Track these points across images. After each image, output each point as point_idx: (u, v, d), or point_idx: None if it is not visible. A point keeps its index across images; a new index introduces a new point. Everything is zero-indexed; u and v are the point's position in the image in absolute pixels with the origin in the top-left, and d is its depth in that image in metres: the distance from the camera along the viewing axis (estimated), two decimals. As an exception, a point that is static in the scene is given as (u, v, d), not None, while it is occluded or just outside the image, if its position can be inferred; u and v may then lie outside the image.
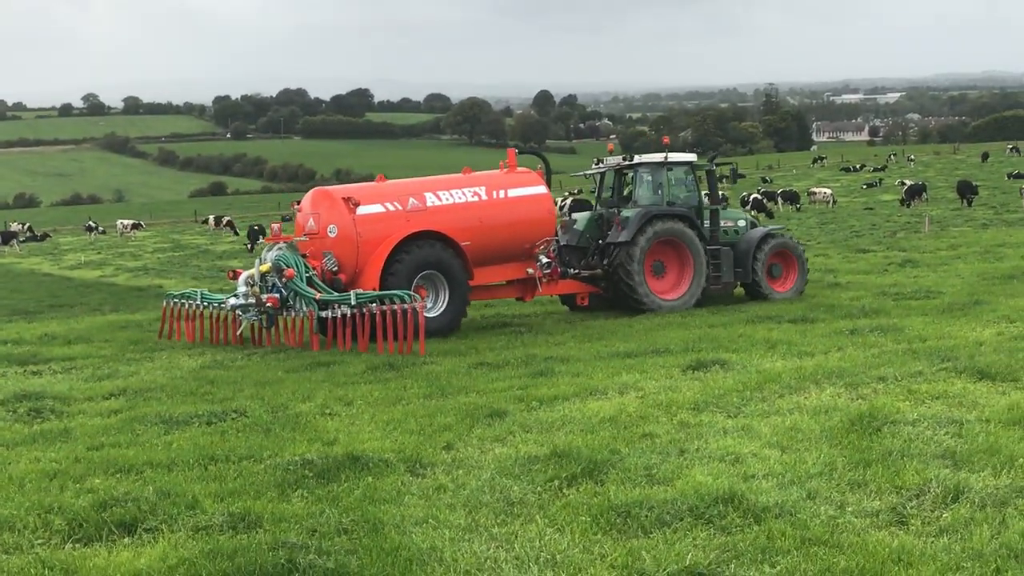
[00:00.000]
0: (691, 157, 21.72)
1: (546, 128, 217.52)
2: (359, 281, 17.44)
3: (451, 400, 11.41)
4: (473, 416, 10.35)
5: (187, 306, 18.30)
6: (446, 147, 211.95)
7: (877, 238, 37.38)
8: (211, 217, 74.22)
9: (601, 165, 21.65)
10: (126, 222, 73.49)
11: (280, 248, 17.45)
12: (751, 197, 54.31)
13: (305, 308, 16.90)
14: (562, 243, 20.25)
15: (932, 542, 6.50)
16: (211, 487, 8.19)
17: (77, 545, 7.13)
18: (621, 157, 21.51)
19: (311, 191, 19.03)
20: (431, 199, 18.42)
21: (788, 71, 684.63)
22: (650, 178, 20.98)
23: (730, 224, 21.26)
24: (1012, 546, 6.26)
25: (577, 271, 20.11)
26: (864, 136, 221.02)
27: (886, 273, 24.68)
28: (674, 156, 20.96)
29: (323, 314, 16.69)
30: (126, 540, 7.18)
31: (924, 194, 56.07)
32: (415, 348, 15.43)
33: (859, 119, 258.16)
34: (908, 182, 62.07)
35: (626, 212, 20.19)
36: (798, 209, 56.72)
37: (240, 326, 17.53)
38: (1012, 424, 8.90)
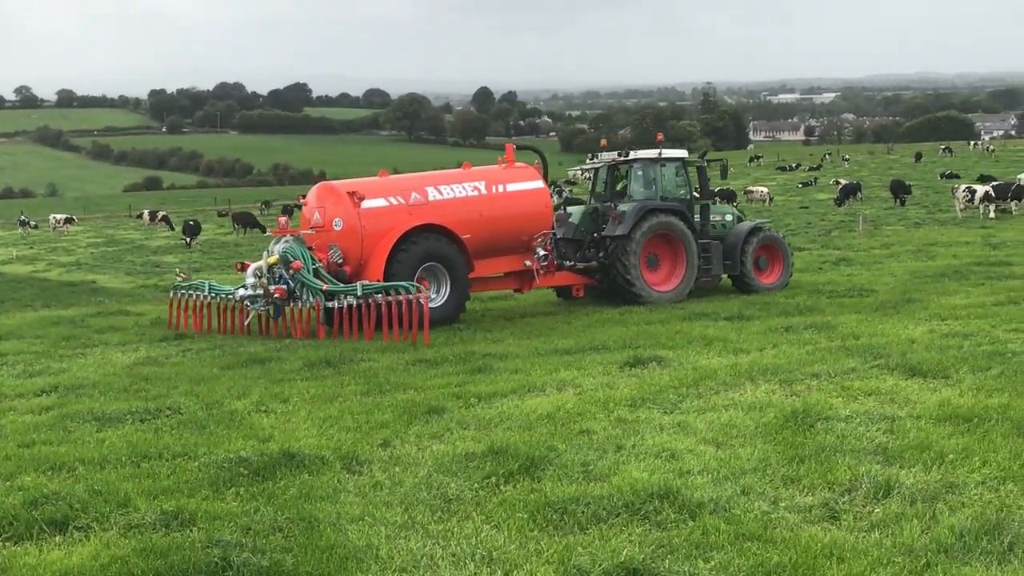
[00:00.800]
0: (683, 153, 22.29)
1: (486, 125, 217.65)
2: (363, 273, 17.98)
3: (389, 397, 11.37)
4: (411, 413, 10.33)
5: (195, 297, 18.77)
6: (385, 143, 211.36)
7: (812, 237, 37.78)
8: (146, 212, 73.32)
9: (596, 160, 22.09)
10: (59, 216, 72.24)
11: (287, 241, 17.99)
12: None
13: (312, 299, 17.31)
14: (557, 236, 20.71)
15: (864, 537, 6.58)
16: (144, 485, 8.10)
17: (7, 544, 7.02)
18: (616, 153, 21.92)
19: (316, 186, 19.49)
20: (433, 193, 18.88)
21: (726, 71, 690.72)
22: (644, 173, 21.42)
23: (718, 218, 21.95)
24: (942, 541, 6.36)
25: (573, 263, 20.63)
26: (800, 135, 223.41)
27: (821, 271, 24.98)
28: (667, 152, 21.52)
29: (329, 304, 17.17)
30: (57, 539, 7.08)
31: (858, 193, 56.79)
32: (419, 337, 15.93)
33: (795, 119, 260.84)
34: (843, 181, 62.85)
35: (623, 206, 20.67)
36: (736, 207, 57.06)
37: (248, 317, 18.04)
38: (942, 420, 9.04)
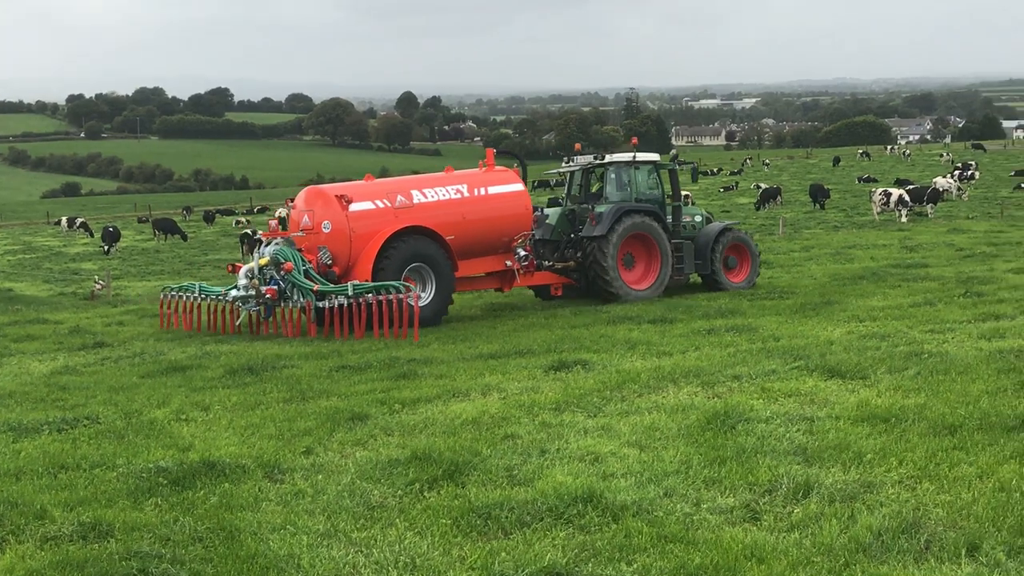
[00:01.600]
0: (655, 157, 23.06)
1: (410, 130, 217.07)
2: (352, 273, 18.53)
3: (311, 404, 11.27)
4: (334, 420, 10.25)
5: (185, 298, 19.46)
6: (308, 148, 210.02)
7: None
8: (64, 218, 71.98)
9: (571, 164, 22.72)
10: (-26, 223, 70.77)
11: (277, 243, 18.65)
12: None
13: (303, 299, 17.83)
14: (536, 237, 21.43)
15: (784, 537, 6.65)
16: (61, 496, 7.94)
17: (-84, 560, 6.83)
18: (592, 156, 22.64)
19: (304, 190, 20.09)
20: (417, 196, 19.51)
21: (648, 76, 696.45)
22: (618, 176, 22.06)
23: (688, 219, 22.71)
24: (860, 540, 6.45)
25: (552, 263, 21.36)
26: (721, 140, 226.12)
27: (742, 274, 25.18)
28: (641, 156, 22.30)
29: (320, 304, 17.68)
30: (-31, 553, 6.92)
31: (778, 197, 57.56)
32: (410, 334, 16.58)
33: (716, 124, 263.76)
34: (763, 185, 63.71)
35: (600, 208, 21.24)
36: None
37: (238, 317, 18.67)
38: (861, 421, 9.17)
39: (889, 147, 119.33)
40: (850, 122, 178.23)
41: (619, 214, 20.94)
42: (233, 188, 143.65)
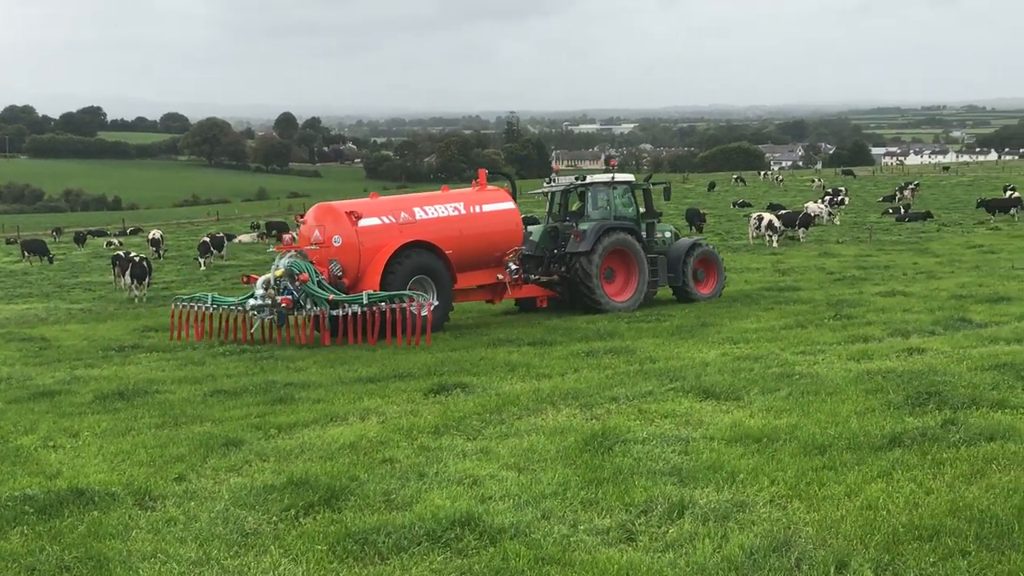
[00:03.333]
0: (630, 177, 24.92)
1: (289, 150, 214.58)
2: (360, 285, 19.77)
3: (184, 430, 11.05)
4: (207, 446, 10.06)
5: (196, 308, 20.39)
6: (184, 168, 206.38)
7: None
8: (-73, 239, 69.57)
9: (553, 184, 24.18)
10: None
11: (291, 256, 19.78)
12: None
13: (316, 308, 19.04)
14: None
15: (659, 557, 6.72)
16: (-81, 528, 7.64)
17: None
18: (574, 177, 24.29)
19: (315, 206, 21.44)
20: (419, 213, 20.94)
21: (529, 100, 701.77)
22: (598, 196, 23.45)
23: (659, 235, 24.35)
24: (732, 559, 6.54)
25: (538, 277, 22.71)
26: (601, 164, 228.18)
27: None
28: (619, 176, 24.12)
29: (334, 313, 18.79)
30: None
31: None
32: (421, 340, 17.76)
33: (596, 148, 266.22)
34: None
35: (583, 225, 22.79)
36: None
37: (252, 326, 19.80)
38: (734, 441, 9.33)
39: (763, 172, 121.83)
40: (725, 148, 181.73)
41: (602, 231, 22.43)
42: (106, 209, 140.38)
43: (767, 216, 45.46)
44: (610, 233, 22.62)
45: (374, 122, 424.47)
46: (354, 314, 18.56)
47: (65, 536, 7.43)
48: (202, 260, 42.02)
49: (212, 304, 20.38)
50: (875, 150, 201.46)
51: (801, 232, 44.67)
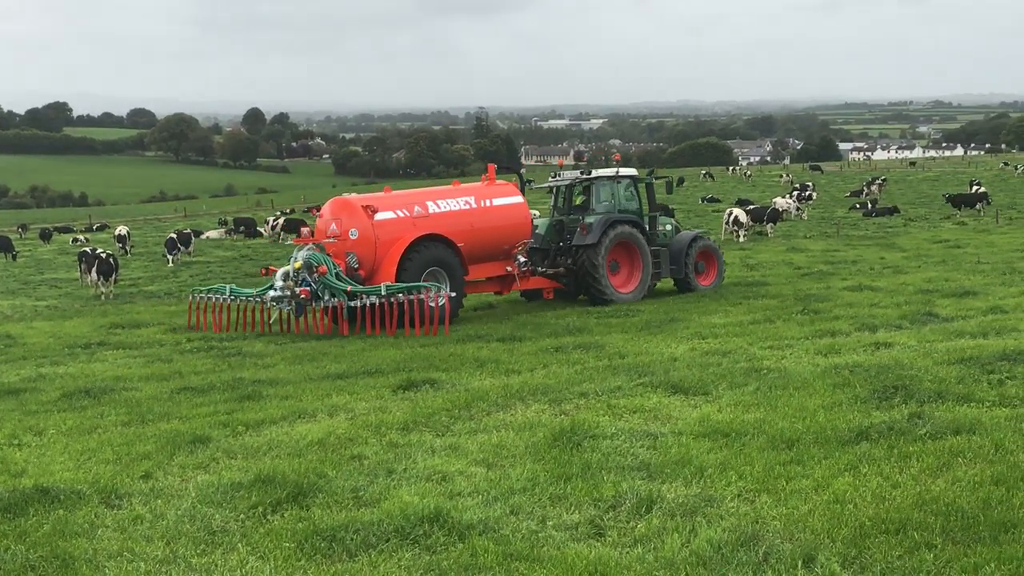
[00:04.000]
0: (633, 172, 25.15)
1: (256, 146, 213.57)
2: (376, 277, 20.38)
3: (151, 427, 10.98)
4: (174, 443, 10.00)
5: (214, 299, 21.15)
6: (151, 164, 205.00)
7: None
8: None
9: (558, 179, 24.67)
10: None
11: (310, 248, 20.36)
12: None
13: (335, 299, 19.65)
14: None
15: (627, 552, 6.73)
16: None
17: None
18: (579, 172, 25.05)
19: (331, 200, 22.01)
20: (432, 207, 21.52)
21: (498, 96, 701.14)
22: (603, 190, 24.03)
23: (661, 228, 24.84)
24: (700, 553, 6.56)
25: (544, 269, 23.24)
26: (570, 160, 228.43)
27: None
28: (623, 171, 24.60)
29: (352, 304, 19.37)
30: None
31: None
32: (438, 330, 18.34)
33: (565, 143, 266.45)
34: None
35: (589, 218, 23.29)
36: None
37: (271, 316, 20.63)
38: (702, 436, 9.35)
39: (731, 168, 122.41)
40: (694, 143, 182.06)
41: (608, 224, 22.96)
42: (72, 205, 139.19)
43: (735, 211, 45.61)
44: (615, 226, 23.17)
45: (343, 118, 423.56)
46: (371, 305, 19.11)
47: (30, 535, 7.37)
48: (170, 256, 41.74)
49: (230, 295, 21.04)
50: (842, 145, 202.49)
51: (769, 227, 44.86)
